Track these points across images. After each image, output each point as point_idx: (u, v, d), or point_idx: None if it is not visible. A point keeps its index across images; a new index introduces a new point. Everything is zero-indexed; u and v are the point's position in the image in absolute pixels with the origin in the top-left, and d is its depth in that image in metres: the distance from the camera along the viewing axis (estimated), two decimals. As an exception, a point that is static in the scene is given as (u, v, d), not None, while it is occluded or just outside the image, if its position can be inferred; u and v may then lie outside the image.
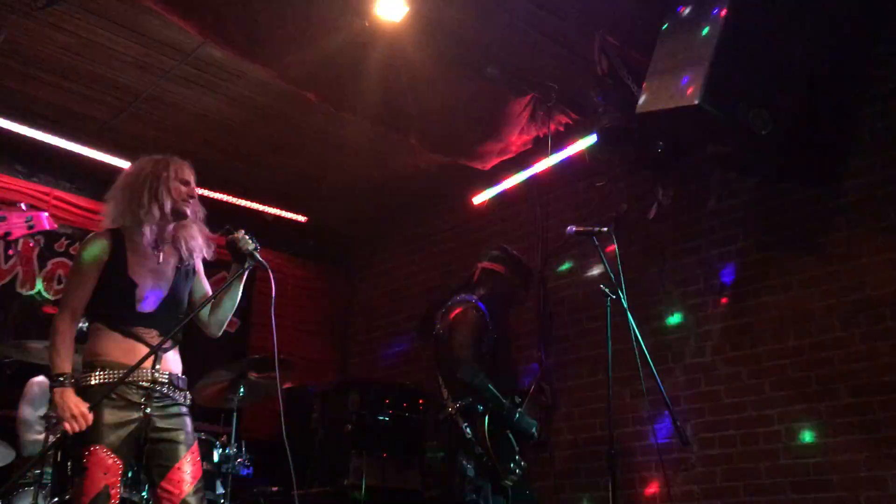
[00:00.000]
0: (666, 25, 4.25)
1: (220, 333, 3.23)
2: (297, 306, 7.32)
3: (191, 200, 3.10)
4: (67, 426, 2.72)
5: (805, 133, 4.25)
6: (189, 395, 3.05)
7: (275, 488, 5.12)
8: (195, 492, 2.89)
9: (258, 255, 3.00)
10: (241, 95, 5.48)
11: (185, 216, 3.08)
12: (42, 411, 4.49)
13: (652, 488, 4.92)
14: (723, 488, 4.65)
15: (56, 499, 3.72)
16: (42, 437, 4.25)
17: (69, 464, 3.01)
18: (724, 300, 4.93)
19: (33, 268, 5.89)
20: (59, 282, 5.99)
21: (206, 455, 4.49)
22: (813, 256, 4.60)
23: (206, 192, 6.42)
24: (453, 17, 4.56)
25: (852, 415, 4.27)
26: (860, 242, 4.44)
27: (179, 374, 3.04)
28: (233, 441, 4.55)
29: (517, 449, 4.06)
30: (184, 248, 3.09)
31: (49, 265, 5.97)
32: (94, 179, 6.25)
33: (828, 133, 4.46)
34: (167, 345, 2.96)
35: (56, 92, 5.42)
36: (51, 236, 6.01)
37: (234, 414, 4.65)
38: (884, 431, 4.14)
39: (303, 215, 7.20)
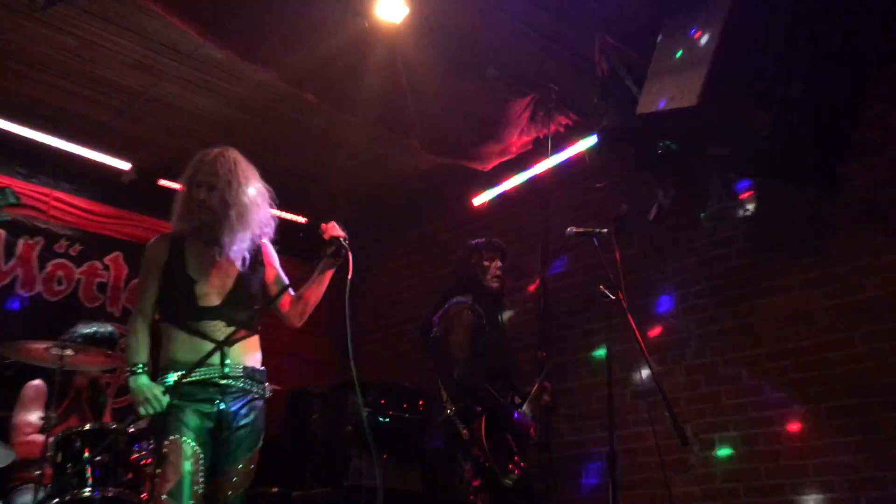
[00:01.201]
0: (666, 26, 4.25)
1: (300, 324, 3.22)
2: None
3: (203, 207, 3.01)
4: (141, 410, 2.77)
5: (805, 134, 4.25)
6: (268, 387, 3.03)
7: (275, 489, 5.12)
8: (240, 497, 2.90)
9: (343, 251, 2.97)
10: (240, 96, 5.48)
11: (200, 223, 3.02)
12: (37, 414, 4.49)
13: (652, 489, 4.92)
14: (723, 489, 4.65)
15: (56, 499, 3.71)
16: (39, 438, 4.24)
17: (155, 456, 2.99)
18: (725, 301, 4.93)
19: (33, 269, 5.88)
20: (59, 283, 5.99)
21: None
22: (813, 258, 4.60)
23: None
24: (453, 18, 4.56)
25: (853, 416, 4.27)
26: (860, 244, 4.44)
27: (257, 367, 3.02)
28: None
29: (516, 450, 4.05)
30: (228, 249, 3.03)
31: (49, 266, 5.96)
32: (94, 180, 6.26)
33: (828, 134, 4.46)
34: (235, 337, 2.94)
35: (56, 93, 5.42)
36: (51, 238, 6.01)
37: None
38: (884, 433, 4.14)
39: (302, 216, 7.20)
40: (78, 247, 6.12)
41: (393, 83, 4.74)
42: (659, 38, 4.24)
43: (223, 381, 2.89)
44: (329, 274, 3.14)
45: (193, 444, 2.78)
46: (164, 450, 2.77)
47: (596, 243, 3.86)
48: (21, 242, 5.84)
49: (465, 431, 3.94)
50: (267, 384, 3.04)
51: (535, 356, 4.57)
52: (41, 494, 3.82)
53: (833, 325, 4.45)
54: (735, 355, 4.80)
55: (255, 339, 3.08)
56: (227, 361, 2.91)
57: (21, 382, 4.74)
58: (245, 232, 3.06)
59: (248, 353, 3.02)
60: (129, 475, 3.90)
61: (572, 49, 4.81)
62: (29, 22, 4.65)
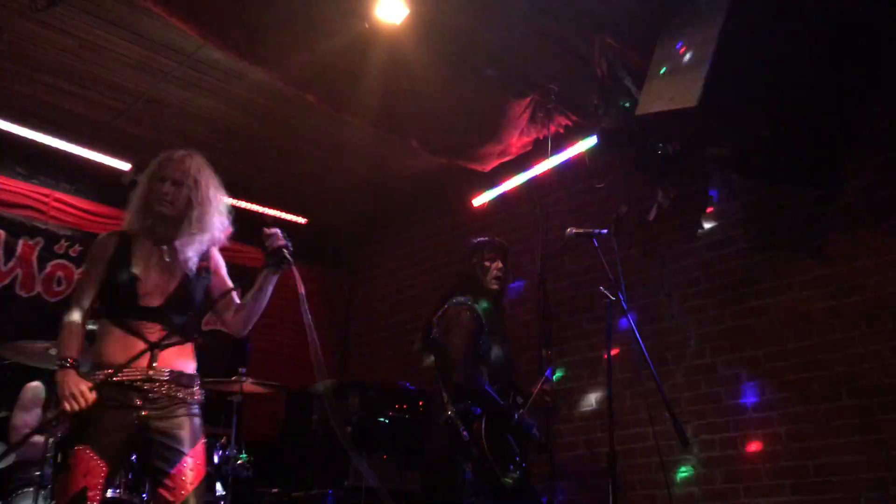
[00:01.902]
0: (666, 27, 4.25)
1: (245, 333, 3.17)
2: (296, 308, 7.30)
3: (166, 198, 2.97)
4: (66, 405, 2.71)
5: (805, 134, 4.25)
6: (199, 392, 2.97)
7: (275, 489, 5.12)
8: (195, 496, 2.84)
9: (289, 255, 2.97)
10: (241, 97, 5.48)
11: (160, 216, 2.98)
12: (35, 415, 4.48)
13: (652, 490, 4.92)
14: (723, 490, 4.65)
15: (55, 501, 3.71)
16: (39, 440, 4.24)
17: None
18: (725, 301, 4.94)
19: (33, 270, 5.88)
20: (59, 283, 5.99)
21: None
22: (813, 258, 4.60)
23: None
24: (453, 19, 4.56)
25: (853, 417, 4.27)
26: (860, 244, 4.44)
27: (185, 371, 2.94)
28: (233, 442, 4.55)
29: (517, 450, 4.05)
30: (179, 251, 3.00)
31: (48, 267, 5.96)
32: (94, 181, 6.26)
33: (828, 135, 4.46)
34: (169, 341, 2.90)
35: (56, 94, 5.42)
36: (51, 238, 6.02)
37: (235, 415, 4.66)
38: (884, 433, 4.14)
39: (303, 217, 7.21)
40: (78, 247, 6.12)
41: (393, 84, 4.75)
42: (658, 39, 4.24)
43: (146, 386, 2.83)
44: (272, 282, 3.08)
45: (99, 458, 2.72)
46: (68, 459, 2.72)
47: (596, 244, 3.87)
48: (21, 243, 5.84)
49: (465, 433, 3.94)
50: (197, 388, 2.96)
51: (536, 356, 4.57)
52: (41, 496, 3.82)
53: (833, 326, 4.45)
54: (735, 356, 4.80)
55: (189, 347, 3.01)
56: (154, 364, 2.86)
57: (20, 383, 4.75)
58: (203, 235, 3.03)
59: (179, 359, 2.95)
60: (129, 476, 3.90)
61: (572, 50, 4.81)
62: (29, 23, 4.66)
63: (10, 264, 5.79)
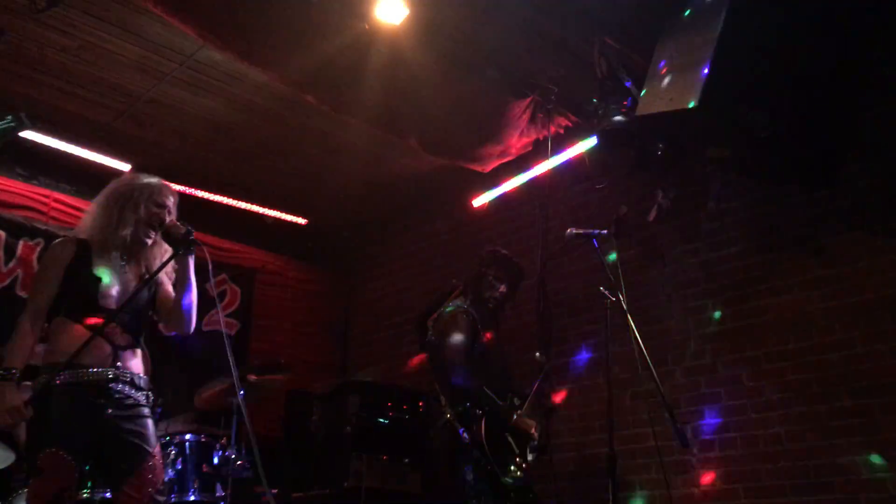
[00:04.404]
0: (665, 28, 4.25)
1: (190, 330, 3.23)
2: (296, 308, 7.33)
3: (160, 226, 3.15)
4: (1, 420, 2.77)
5: (805, 135, 4.25)
6: (152, 396, 3.07)
7: (275, 490, 5.11)
8: (158, 494, 2.92)
9: (192, 237, 3.10)
10: (240, 98, 5.48)
11: (143, 244, 3.15)
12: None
13: (652, 491, 4.92)
14: (723, 491, 4.65)
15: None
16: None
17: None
18: (725, 302, 4.94)
19: (33, 270, 5.88)
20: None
21: (206, 457, 4.50)
22: (813, 259, 4.60)
23: (205, 195, 6.45)
24: (453, 19, 4.56)
25: (853, 417, 4.27)
26: (860, 245, 4.44)
27: (141, 374, 3.07)
28: (233, 443, 4.55)
29: (517, 451, 4.06)
30: (143, 267, 3.18)
31: (49, 267, 5.95)
32: (94, 182, 6.19)
33: (828, 135, 4.46)
34: (125, 343, 3.01)
35: (56, 94, 5.42)
36: (51, 239, 6.01)
37: (234, 416, 4.65)
38: (884, 434, 4.14)
39: (303, 217, 7.21)
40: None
41: (393, 84, 4.74)
42: (658, 39, 4.24)
43: (111, 386, 2.92)
44: (190, 270, 3.18)
45: (69, 456, 2.77)
46: (39, 462, 2.75)
47: (596, 244, 3.87)
48: (21, 244, 5.84)
49: (465, 434, 3.94)
50: (150, 394, 3.08)
51: (534, 358, 4.57)
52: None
53: (833, 326, 4.45)
54: (735, 356, 4.80)
55: (142, 354, 3.13)
56: (118, 364, 2.97)
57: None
58: (162, 253, 3.21)
59: (135, 361, 3.07)
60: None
61: (572, 50, 4.81)
62: (30, 24, 4.66)
63: (11, 265, 5.78)
